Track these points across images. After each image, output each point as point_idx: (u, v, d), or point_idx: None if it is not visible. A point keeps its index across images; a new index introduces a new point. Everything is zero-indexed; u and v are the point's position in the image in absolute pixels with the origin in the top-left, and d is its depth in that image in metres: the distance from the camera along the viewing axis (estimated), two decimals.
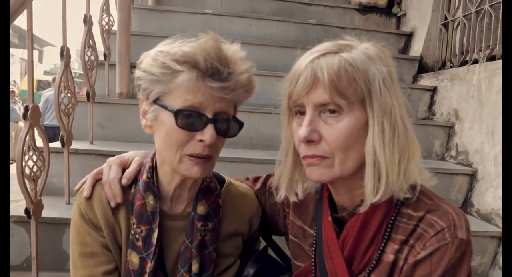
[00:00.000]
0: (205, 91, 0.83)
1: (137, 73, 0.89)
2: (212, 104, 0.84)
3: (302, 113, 0.85)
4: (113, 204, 0.93)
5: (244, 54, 0.89)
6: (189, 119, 0.84)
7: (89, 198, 0.94)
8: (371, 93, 0.80)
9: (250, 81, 0.88)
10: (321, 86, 0.80)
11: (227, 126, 0.88)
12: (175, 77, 0.83)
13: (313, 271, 0.94)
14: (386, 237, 0.84)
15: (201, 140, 0.85)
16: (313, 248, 0.95)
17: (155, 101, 0.87)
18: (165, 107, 0.85)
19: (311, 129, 0.81)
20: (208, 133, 0.83)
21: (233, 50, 0.88)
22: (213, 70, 0.82)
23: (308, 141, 0.81)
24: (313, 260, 0.95)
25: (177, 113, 0.83)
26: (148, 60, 0.87)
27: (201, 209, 0.96)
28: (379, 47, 0.86)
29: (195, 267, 0.93)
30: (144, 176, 0.95)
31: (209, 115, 0.84)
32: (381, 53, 0.85)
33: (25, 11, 1.34)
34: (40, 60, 25.06)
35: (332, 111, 0.81)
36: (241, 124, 0.91)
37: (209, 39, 0.85)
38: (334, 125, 0.81)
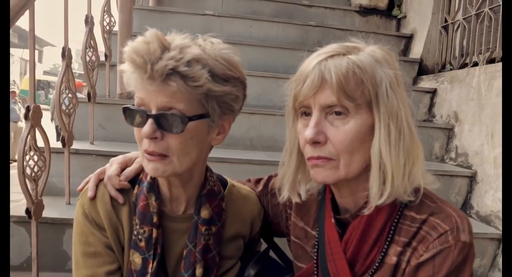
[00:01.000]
0: (140, 85, 0.83)
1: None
2: (154, 99, 0.82)
3: (308, 114, 0.85)
4: (120, 201, 0.94)
5: (187, 42, 0.84)
6: (132, 115, 0.85)
7: (93, 198, 0.94)
8: (378, 96, 0.81)
9: (175, 70, 0.80)
10: (329, 88, 0.80)
11: (166, 121, 0.82)
12: (125, 75, 0.85)
13: (315, 272, 0.94)
14: (389, 239, 0.84)
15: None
16: (315, 250, 0.95)
17: None
18: None
19: (317, 130, 0.81)
20: (145, 127, 0.82)
21: (170, 40, 0.84)
22: (138, 63, 0.80)
23: (314, 142, 0.82)
24: (315, 261, 0.95)
25: (124, 111, 0.86)
26: None
27: (204, 213, 0.95)
28: (385, 50, 0.86)
29: (199, 272, 0.93)
30: (148, 177, 0.95)
31: (153, 111, 0.83)
32: (388, 56, 0.85)
33: (27, 11, 1.35)
34: (40, 60, 25.05)
35: (339, 113, 0.81)
36: (185, 120, 0.83)
37: (145, 34, 0.84)
38: (340, 127, 0.81)
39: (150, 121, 0.82)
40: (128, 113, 0.86)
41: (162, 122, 0.82)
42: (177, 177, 0.91)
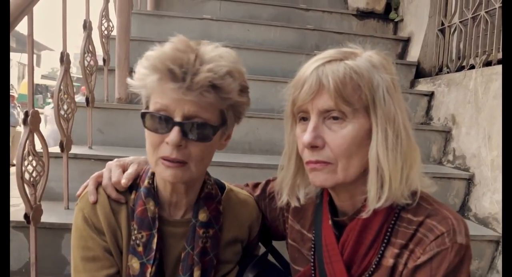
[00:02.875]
0: (169, 93, 0.83)
1: (129, 81, 0.90)
2: (180, 107, 0.83)
3: (306, 119, 0.86)
4: (123, 201, 0.95)
5: (220, 54, 0.86)
6: (155, 121, 0.85)
7: (95, 202, 0.94)
8: (375, 101, 0.82)
9: (216, 82, 0.82)
10: (326, 93, 0.81)
11: (195, 130, 0.84)
12: (145, 81, 0.85)
13: (313, 275, 0.94)
14: (385, 241, 0.85)
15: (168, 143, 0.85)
16: (312, 252, 0.96)
17: (147, 107, 0.90)
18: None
19: (315, 135, 0.82)
20: (172, 135, 0.83)
21: (207, 50, 0.86)
22: (169, 71, 0.81)
23: (312, 146, 0.82)
24: (312, 264, 0.95)
25: (142, 116, 0.86)
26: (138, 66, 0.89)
27: (202, 216, 0.96)
28: (382, 55, 0.87)
29: (196, 274, 0.93)
30: (145, 182, 0.96)
31: (178, 118, 0.83)
32: (384, 61, 0.86)
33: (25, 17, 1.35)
34: (38, 64, 25.04)
35: (336, 118, 0.82)
36: (215, 129, 0.86)
37: (174, 41, 0.85)
38: (338, 131, 0.82)
39: (176, 128, 0.83)
40: (150, 118, 0.86)
41: (187, 130, 0.84)
42: (185, 183, 0.92)
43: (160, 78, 0.82)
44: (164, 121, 0.84)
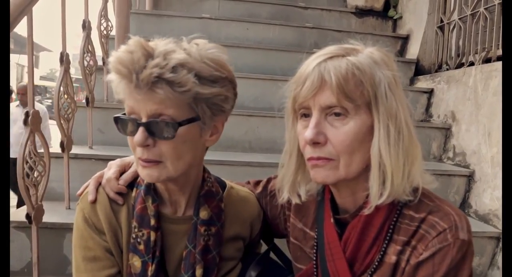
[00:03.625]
0: (131, 95, 0.82)
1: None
2: (143, 107, 0.82)
3: (307, 115, 0.86)
4: (120, 202, 0.95)
5: (171, 47, 0.84)
6: (124, 124, 0.86)
7: (94, 201, 0.94)
8: (377, 97, 0.82)
9: (165, 76, 0.79)
10: (328, 89, 0.81)
11: (157, 128, 0.83)
12: (113, 85, 0.85)
13: (315, 273, 0.94)
14: (388, 238, 0.85)
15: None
16: (314, 250, 0.96)
17: None
18: None
19: (317, 131, 0.82)
20: (136, 136, 0.83)
21: (159, 46, 0.84)
22: (124, 73, 0.80)
23: (314, 143, 0.82)
24: (314, 262, 0.95)
25: (115, 120, 0.87)
26: None
27: (203, 213, 0.96)
28: (383, 51, 0.88)
29: (199, 272, 0.93)
30: (145, 180, 0.96)
31: (144, 119, 0.83)
32: (386, 58, 0.86)
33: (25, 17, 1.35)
34: (36, 65, 25.04)
35: (338, 114, 0.82)
36: (175, 126, 0.83)
37: (128, 43, 0.84)
38: (340, 127, 0.82)
39: (141, 129, 0.83)
40: (119, 122, 0.87)
41: (153, 129, 0.83)
42: (172, 181, 0.92)
43: (119, 81, 0.82)
44: (131, 123, 0.85)
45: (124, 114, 0.87)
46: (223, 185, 1.06)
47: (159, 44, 0.84)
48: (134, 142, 0.84)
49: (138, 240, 0.92)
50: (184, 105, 0.83)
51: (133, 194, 0.97)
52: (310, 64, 0.84)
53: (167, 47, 0.83)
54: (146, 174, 0.87)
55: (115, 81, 0.84)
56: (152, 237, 0.92)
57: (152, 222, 0.92)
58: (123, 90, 0.83)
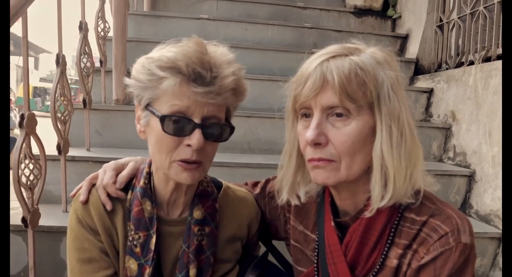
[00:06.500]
0: (190, 96, 0.82)
1: (127, 80, 0.89)
2: (199, 109, 0.83)
3: (308, 115, 0.84)
4: (108, 208, 0.93)
5: (232, 56, 0.88)
6: (175, 124, 0.84)
7: (86, 202, 0.93)
8: (380, 97, 0.80)
9: (237, 85, 0.86)
10: (330, 89, 0.79)
11: (216, 130, 0.86)
12: (160, 83, 0.83)
13: (316, 276, 0.93)
14: (389, 241, 0.84)
15: (188, 145, 0.84)
16: (315, 253, 0.94)
17: (146, 107, 0.88)
18: (153, 113, 0.86)
19: (318, 132, 0.80)
20: (195, 137, 0.82)
21: (219, 53, 0.86)
22: (196, 75, 0.81)
23: (315, 144, 0.81)
24: (315, 265, 0.94)
25: (162, 119, 0.84)
26: (137, 67, 0.88)
27: (197, 213, 0.95)
28: (386, 51, 0.86)
29: (192, 272, 0.92)
30: (141, 182, 0.95)
31: (197, 120, 0.83)
32: (388, 57, 0.85)
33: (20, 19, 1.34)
34: (36, 67, 25.05)
35: (340, 115, 0.80)
36: (232, 129, 0.89)
37: (192, 44, 0.84)
38: (342, 128, 0.80)
39: (198, 131, 0.83)
40: (168, 121, 0.84)
41: (209, 131, 0.85)
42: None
43: (182, 81, 0.81)
44: (184, 124, 0.83)
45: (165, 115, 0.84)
46: (219, 185, 1.05)
47: (218, 50, 0.88)
48: (192, 144, 0.83)
49: (135, 242, 0.91)
50: (225, 109, 0.90)
51: (129, 196, 0.95)
52: (312, 63, 0.82)
53: (229, 55, 0.88)
54: (186, 176, 0.87)
55: (168, 79, 0.82)
56: (151, 240, 0.91)
57: (151, 225, 0.91)
58: (177, 89, 0.82)
